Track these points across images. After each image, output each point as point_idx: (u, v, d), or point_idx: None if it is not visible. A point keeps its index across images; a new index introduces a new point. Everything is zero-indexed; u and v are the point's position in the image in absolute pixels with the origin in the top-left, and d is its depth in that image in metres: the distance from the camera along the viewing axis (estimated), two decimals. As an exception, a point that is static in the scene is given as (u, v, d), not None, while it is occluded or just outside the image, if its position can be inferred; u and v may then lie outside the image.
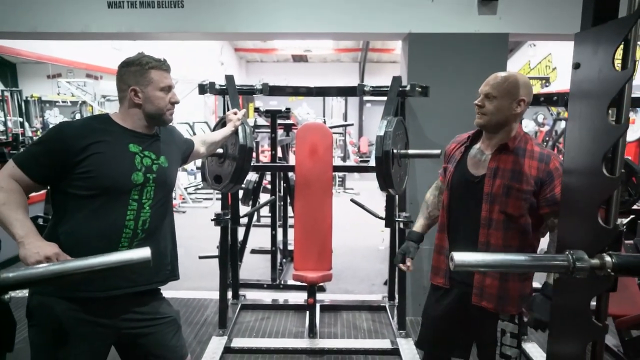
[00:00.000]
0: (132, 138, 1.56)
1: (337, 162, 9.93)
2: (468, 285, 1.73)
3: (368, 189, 9.24)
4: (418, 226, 2.00)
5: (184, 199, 7.65)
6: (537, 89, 10.67)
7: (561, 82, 9.32)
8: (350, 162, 10.28)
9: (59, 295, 1.45)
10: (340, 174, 9.34)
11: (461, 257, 1.08)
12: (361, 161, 11.99)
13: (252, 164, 3.24)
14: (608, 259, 1.04)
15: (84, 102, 10.14)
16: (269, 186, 4.69)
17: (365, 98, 14.92)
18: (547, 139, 9.45)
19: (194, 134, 8.51)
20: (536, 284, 1.86)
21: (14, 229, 1.30)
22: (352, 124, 8.50)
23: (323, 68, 14.92)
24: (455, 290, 1.79)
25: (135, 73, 1.53)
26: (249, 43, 13.14)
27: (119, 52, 6.71)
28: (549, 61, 10.15)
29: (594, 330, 1.11)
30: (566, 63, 9.36)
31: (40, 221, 3.44)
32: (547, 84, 9.39)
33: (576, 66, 1.21)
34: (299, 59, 14.76)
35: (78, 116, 10.02)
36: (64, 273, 0.97)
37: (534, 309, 1.58)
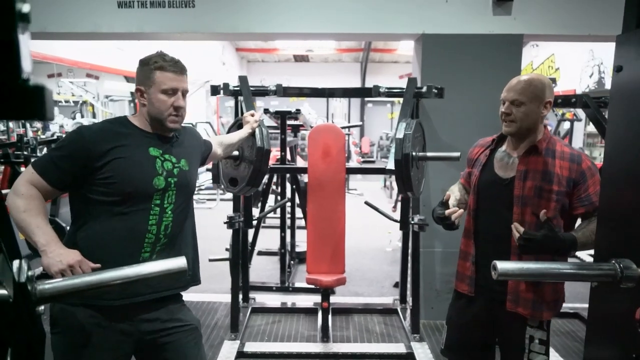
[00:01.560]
0: (151, 141, 1.52)
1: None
2: (496, 292, 1.69)
3: (371, 190, 9.22)
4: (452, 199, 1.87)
5: (187, 199, 7.60)
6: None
7: (565, 83, 9.30)
8: (353, 163, 10.25)
9: (81, 303, 1.41)
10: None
11: (504, 266, 1.05)
12: (363, 161, 11.99)
13: (276, 166, 3.22)
14: (657, 268, 1.02)
15: (84, 102, 10.08)
16: (272, 187, 4.65)
17: (367, 98, 14.93)
18: (550, 139, 9.43)
19: (197, 134, 8.46)
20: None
21: (35, 237, 1.27)
22: (360, 125, 8.46)
23: (324, 68, 14.88)
24: (481, 297, 1.75)
25: (142, 73, 1.49)
26: (250, 43, 13.10)
27: (122, 52, 6.66)
28: (551, 61, 10.14)
29: (640, 341, 1.08)
30: (569, 64, 9.35)
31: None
32: (554, 85, 9.36)
33: (618, 69, 1.18)
34: (300, 58, 14.73)
35: (78, 116, 9.97)
36: (100, 284, 0.93)
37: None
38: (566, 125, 8.31)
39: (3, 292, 0.72)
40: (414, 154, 2.23)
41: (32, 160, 1.44)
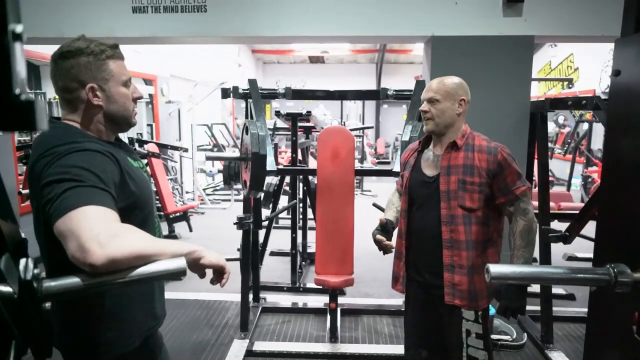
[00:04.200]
0: (125, 152, 1.30)
1: (356, 164, 9.90)
2: (431, 287, 1.76)
3: (386, 191, 9.20)
4: (388, 215, 1.96)
5: (202, 200, 7.71)
6: (558, 90, 10.48)
7: (584, 83, 9.13)
8: (368, 164, 10.25)
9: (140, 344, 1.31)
10: (358, 176, 9.30)
11: (497, 269, 1.06)
12: (378, 163, 11.96)
13: (284, 168, 3.27)
14: (653, 272, 1.02)
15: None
16: (286, 188, 4.69)
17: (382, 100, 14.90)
18: (568, 140, 9.26)
19: (213, 135, 8.58)
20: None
21: (172, 249, 1.06)
22: (372, 127, 8.47)
23: (340, 69, 14.91)
24: (418, 295, 1.82)
25: (89, 66, 1.18)
26: (265, 45, 13.20)
27: (138, 55, 6.79)
28: (570, 61, 9.97)
29: (637, 346, 1.08)
30: (588, 63, 9.18)
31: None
32: (571, 85, 9.20)
33: (616, 73, 1.18)
34: (315, 60, 14.78)
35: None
36: (104, 283, 0.98)
37: (501, 297, 1.63)
38: (585, 126, 8.16)
39: (8, 289, 0.77)
40: (419, 156, 2.24)
41: (64, 202, 1.01)
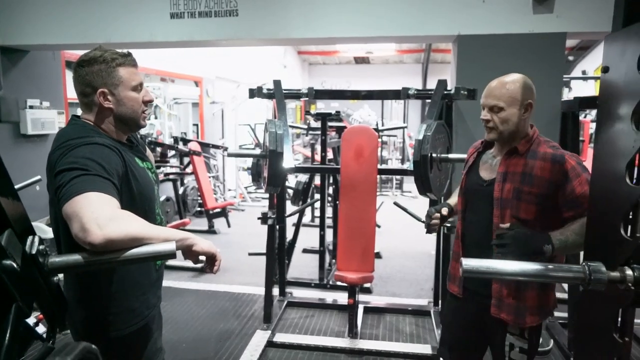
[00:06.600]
0: (133, 152, 1.42)
1: (396, 164, 9.83)
2: (482, 296, 1.67)
3: (426, 193, 9.07)
4: (450, 201, 1.92)
5: (243, 197, 7.96)
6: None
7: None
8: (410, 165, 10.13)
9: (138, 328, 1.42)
10: (398, 176, 9.24)
11: (470, 263, 1.08)
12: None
13: (301, 166, 3.38)
14: (630, 272, 1.01)
15: (156, 106, 10.84)
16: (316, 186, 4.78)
17: (427, 100, 14.61)
18: None
19: (256, 136, 8.83)
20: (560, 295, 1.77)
21: (166, 234, 1.16)
22: (405, 126, 8.38)
23: (385, 69, 14.80)
24: (470, 299, 1.74)
25: (100, 73, 1.32)
26: (311, 46, 13.36)
27: (186, 58, 7.13)
28: (630, 59, 9.38)
29: (615, 347, 1.06)
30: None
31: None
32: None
33: (605, 70, 1.17)
34: (360, 60, 14.77)
35: (152, 117, 10.74)
36: (101, 261, 1.10)
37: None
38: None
39: (8, 262, 0.89)
40: (434, 155, 2.25)
41: (71, 188, 1.14)
